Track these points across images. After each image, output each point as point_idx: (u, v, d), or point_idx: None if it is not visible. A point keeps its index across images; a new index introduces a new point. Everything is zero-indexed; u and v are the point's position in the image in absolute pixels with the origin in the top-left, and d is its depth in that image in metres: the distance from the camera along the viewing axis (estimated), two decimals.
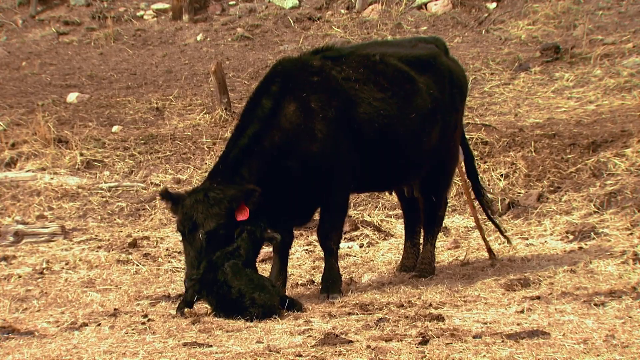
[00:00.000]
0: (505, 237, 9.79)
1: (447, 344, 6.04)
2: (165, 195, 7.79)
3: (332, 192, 8.07)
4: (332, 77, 8.09)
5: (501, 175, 11.78)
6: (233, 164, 7.70)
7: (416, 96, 8.41)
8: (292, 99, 7.91)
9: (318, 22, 19.60)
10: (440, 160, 8.82)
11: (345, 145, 8.00)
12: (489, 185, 11.74)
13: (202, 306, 7.69)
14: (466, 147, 9.53)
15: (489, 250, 9.38)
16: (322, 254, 10.01)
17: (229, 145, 7.90)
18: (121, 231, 11.29)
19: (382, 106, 8.17)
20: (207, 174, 8.03)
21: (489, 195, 10.26)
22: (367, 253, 10.20)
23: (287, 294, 8.05)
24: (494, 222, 9.74)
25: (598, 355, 5.70)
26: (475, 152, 11.19)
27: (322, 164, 7.90)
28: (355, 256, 9.97)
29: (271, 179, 7.74)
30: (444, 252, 9.91)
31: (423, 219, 9.01)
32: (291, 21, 19.70)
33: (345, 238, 10.84)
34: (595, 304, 7.04)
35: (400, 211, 11.28)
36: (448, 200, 10.07)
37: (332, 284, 8.01)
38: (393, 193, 10.10)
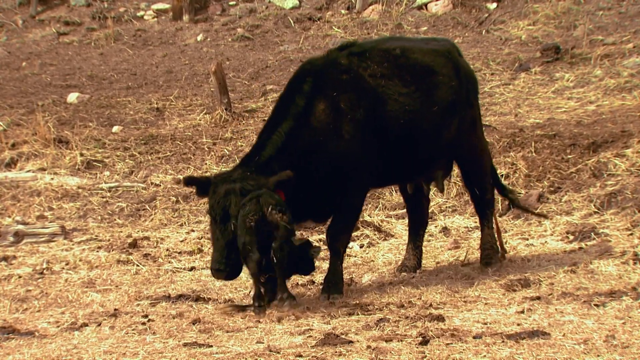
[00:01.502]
0: (541, 215, 10.29)
1: (448, 344, 6.04)
2: (191, 181, 7.84)
3: (348, 194, 8.09)
4: (360, 75, 8.14)
5: (501, 176, 11.74)
6: (267, 158, 7.73)
7: (437, 89, 8.47)
8: (322, 98, 7.95)
9: (318, 22, 19.60)
10: (471, 151, 8.97)
11: (370, 146, 8.04)
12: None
13: (202, 306, 7.70)
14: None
15: (502, 247, 9.43)
16: (321, 254, 10.02)
17: (263, 137, 7.91)
18: (121, 231, 11.29)
19: (407, 101, 8.22)
20: (240, 158, 8.09)
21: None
22: (367, 253, 10.20)
23: None
24: (528, 211, 10.19)
25: (598, 356, 5.70)
26: None
27: (344, 165, 7.93)
28: (355, 256, 9.96)
29: (296, 175, 7.75)
30: (444, 252, 9.91)
31: (474, 206, 9.31)
32: (291, 21, 19.69)
33: None
34: (596, 304, 7.04)
35: (400, 211, 11.28)
36: (448, 200, 10.09)
37: (334, 285, 8.01)
38: (395, 193, 10.15)
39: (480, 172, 9.17)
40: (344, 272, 8.96)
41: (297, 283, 8.69)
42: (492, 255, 8.92)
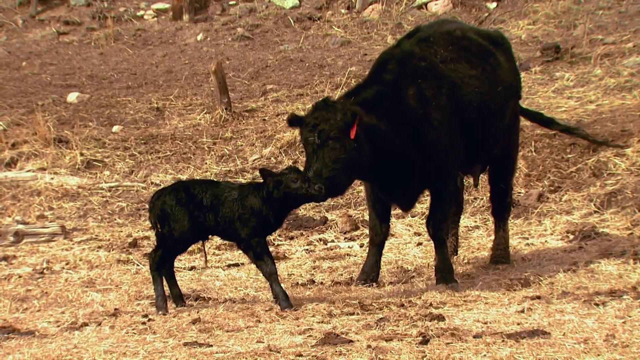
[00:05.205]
0: (596, 141, 10.05)
1: (448, 343, 6.04)
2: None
3: (442, 182, 8.14)
4: (434, 63, 8.17)
5: None
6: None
7: (499, 69, 8.56)
8: (409, 83, 7.94)
9: (318, 22, 19.60)
10: (508, 145, 8.97)
11: (456, 132, 8.07)
12: (488, 184, 11.74)
13: (202, 305, 7.70)
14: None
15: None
16: (322, 253, 10.04)
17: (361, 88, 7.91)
18: (121, 231, 11.30)
19: (476, 84, 8.29)
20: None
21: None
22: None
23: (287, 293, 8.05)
24: (580, 135, 10.02)
25: (598, 355, 5.70)
26: None
27: (436, 153, 7.94)
28: (355, 256, 9.95)
29: (387, 156, 7.75)
30: None
31: (492, 207, 9.22)
32: (291, 21, 19.69)
33: (345, 238, 10.84)
34: (596, 304, 7.05)
35: (399, 211, 11.29)
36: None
37: (447, 273, 8.10)
38: None
39: (512, 169, 9.23)
40: (343, 272, 8.98)
41: (297, 283, 8.69)
42: (504, 256, 8.98)
